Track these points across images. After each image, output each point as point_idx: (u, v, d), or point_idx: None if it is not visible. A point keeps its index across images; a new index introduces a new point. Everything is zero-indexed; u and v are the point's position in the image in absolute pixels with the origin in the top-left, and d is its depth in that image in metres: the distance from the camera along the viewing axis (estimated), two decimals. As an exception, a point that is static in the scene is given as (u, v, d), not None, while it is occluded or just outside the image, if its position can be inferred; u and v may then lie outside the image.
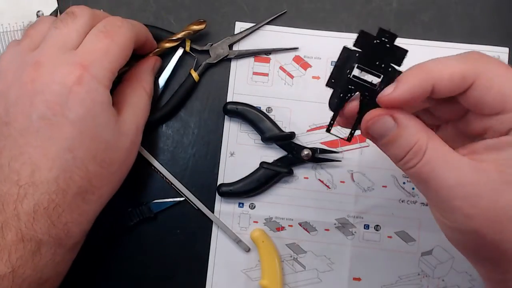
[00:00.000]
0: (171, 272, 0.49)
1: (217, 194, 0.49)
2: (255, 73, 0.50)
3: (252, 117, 0.49)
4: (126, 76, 0.47)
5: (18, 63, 0.40)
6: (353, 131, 0.34)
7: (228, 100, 0.50)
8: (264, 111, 0.50)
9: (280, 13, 0.50)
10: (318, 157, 0.49)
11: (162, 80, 0.50)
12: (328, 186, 0.49)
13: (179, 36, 0.49)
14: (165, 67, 0.50)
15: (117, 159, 0.42)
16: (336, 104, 0.34)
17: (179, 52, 0.50)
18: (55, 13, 0.50)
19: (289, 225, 0.49)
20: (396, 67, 0.33)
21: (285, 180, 0.50)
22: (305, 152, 0.48)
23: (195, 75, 0.49)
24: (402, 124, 0.32)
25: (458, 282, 0.48)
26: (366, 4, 0.51)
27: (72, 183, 0.38)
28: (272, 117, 0.49)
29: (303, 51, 0.50)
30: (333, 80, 0.34)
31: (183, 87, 0.50)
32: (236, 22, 0.51)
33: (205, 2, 0.51)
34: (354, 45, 0.33)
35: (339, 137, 0.38)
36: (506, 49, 0.50)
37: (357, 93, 0.33)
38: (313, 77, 0.50)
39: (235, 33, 0.51)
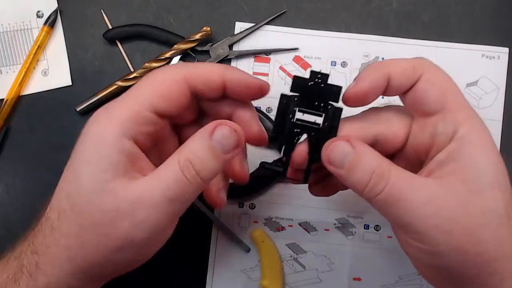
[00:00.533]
0: (171, 272, 0.49)
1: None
2: (255, 73, 0.50)
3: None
4: None
5: None
6: (307, 172, 0.36)
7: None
8: (264, 111, 0.50)
9: (280, 13, 0.50)
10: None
11: None
12: (328, 186, 0.49)
13: (187, 44, 0.49)
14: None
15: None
16: (286, 150, 0.35)
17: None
18: (55, 13, 0.50)
19: (289, 225, 0.49)
20: (335, 103, 0.34)
21: (285, 180, 0.49)
22: None
23: (195, 75, 0.49)
24: (360, 148, 0.33)
25: (458, 282, 0.48)
26: (366, 4, 0.51)
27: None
28: (272, 117, 0.49)
29: (303, 51, 0.50)
30: (278, 128, 0.35)
31: None
32: (236, 22, 0.51)
33: (205, 2, 0.51)
34: (291, 90, 0.34)
35: (297, 180, 0.37)
36: (506, 49, 0.50)
37: (304, 135, 0.35)
38: (313, 77, 0.50)
39: (235, 33, 0.51)
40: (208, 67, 0.35)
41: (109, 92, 0.49)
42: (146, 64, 0.49)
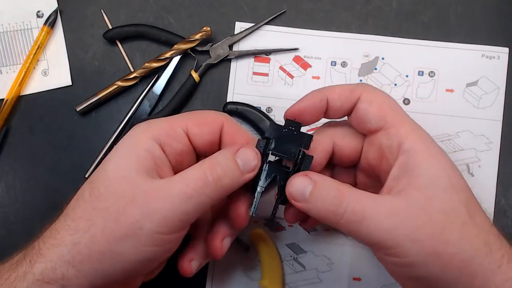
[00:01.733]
0: (172, 272, 0.49)
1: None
2: (255, 73, 0.50)
3: (252, 117, 0.49)
4: None
5: None
6: (274, 211, 0.38)
7: (228, 100, 0.50)
8: (264, 111, 0.50)
9: (280, 13, 0.50)
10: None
11: (162, 82, 0.50)
12: (328, 186, 0.49)
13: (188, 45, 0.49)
14: (166, 68, 0.50)
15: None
16: (262, 192, 0.37)
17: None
18: (55, 13, 0.50)
19: (289, 225, 0.49)
20: (305, 150, 0.37)
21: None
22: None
23: (195, 75, 0.49)
24: (317, 178, 0.35)
25: (458, 282, 0.48)
26: (366, 4, 0.51)
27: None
28: (272, 117, 0.49)
29: (303, 51, 0.50)
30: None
31: (183, 88, 0.50)
32: (236, 22, 0.51)
33: (205, 2, 0.51)
34: (266, 135, 0.37)
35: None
36: (506, 49, 0.50)
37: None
38: (313, 77, 0.50)
39: (235, 33, 0.51)
40: (241, 133, 0.39)
41: (109, 92, 0.50)
42: (146, 64, 0.49)
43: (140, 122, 0.38)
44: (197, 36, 0.49)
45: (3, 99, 0.50)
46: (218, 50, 0.50)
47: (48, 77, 0.51)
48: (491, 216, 0.48)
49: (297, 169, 0.37)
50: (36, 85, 0.51)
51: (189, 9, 0.51)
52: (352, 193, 0.34)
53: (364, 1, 0.51)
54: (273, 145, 0.37)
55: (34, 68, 0.51)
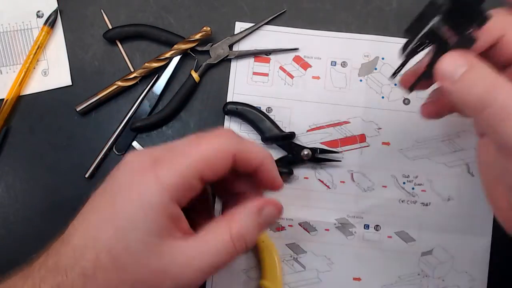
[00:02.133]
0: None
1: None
2: (255, 73, 0.50)
3: (252, 117, 0.49)
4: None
5: None
6: (416, 82, 0.35)
7: (228, 100, 0.50)
8: (264, 111, 0.50)
9: (280, 13, 0.50)
10: (318, 157, 0.49)
11: (162, 81, 0.50)
12: (328, 186, 0.49)
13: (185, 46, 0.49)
14: (166, 68, 0.50)
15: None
16: (409, 52, 0.34)
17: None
18: (55, 13, 0.50)
19: (289, 225, 0.49)
20: (473, 35, 0.32)
21: (285, 180, 0.50)
22: (305, 152, 0.48)
23: (195, 75, 0.49)
24: (474, 62, 0.32)
25: (458, 282, 0.48)
26: (366, 4, 0.51)
27: None
28: (272, 117, 0.49)
29: (303, 51, 0.50)
30: (412, 28, 0.34)
31: (184, 88, 0.50)
32: (236, 22, 0.51)
33: (205, 2, 0.51)
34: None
35: (403, 87, 0.38)
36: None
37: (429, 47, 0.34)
38: (313, 77, 0.50)
39: (235, 33, 0.51)
40: (254, 149, 0.37)
41: (109, 92, 0.50)
42: (146, 64, 0.49)
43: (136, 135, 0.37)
44: (197, 36, 0.49)
45: (3, 99, 0.50)
46: (218, 50, 0.50)
47: (48, 77, 0.51)
48: (491, 215, 0.48)
49: (455, 47, 0.32)
50: (36, 85, 0.51)
51: (189, 9, 0.51)
52: (508, 85, 0.30)
53: (364, 1, 0.51)
54: (445, 12, 0.32)
55: (34, 68, 0.51)
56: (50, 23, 0.50)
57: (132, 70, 0.51)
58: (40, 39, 0.50)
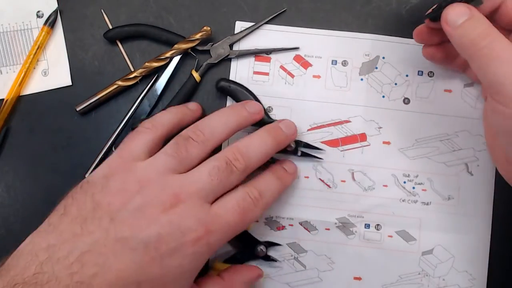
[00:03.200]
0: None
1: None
2: (255, 73, 0.50)
3: (243, 99, 0.48)
4: (224, 274, 0.45)
5: (159, 176, 0.39)
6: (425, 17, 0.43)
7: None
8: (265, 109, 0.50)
9: (280, 12, 0.50)
10: (302, 150, 0.49)
11: (162, 81, 0.50)
12: (328, 185, 0.49)
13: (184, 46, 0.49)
14: (166, 68, 0.50)
15: None
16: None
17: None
18: (55, 13, 0.50)
19: (289, 224, 0.49)
20: None
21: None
22: (292, 144, 0.48)
23: (196, 75, 0.49)
24: (475, 13, 0.38)
25: (458, 281, 0.48)
26: (366, 4, 0.51)
27: None
28: (273, 117, 0.50)
29: (303, 50, 0.50)
30: None
31: (184, 88, 0.50)
32: (237, 22, 0.51)
33: (205, 2, 0.51)
34: None
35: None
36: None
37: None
38: (314, 76, 0.50)
39: (236, 32, 0.51)
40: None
41: (109, 92, 0.49)
42: (147, 64, 0.49)
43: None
44: (197, 36, 0.49)
45: (3, 99, 0.50)
46: (219, 50, 0.50)
47: (48, 77, 0.51)
48: (490, 214, 0.48)
49: (463, 1, 0.39)
50: (36, 85, 0.51)
51: (189, 9, 0.51)
52: (499, 35, 0.37)
53: (364, 1, 0.51)
54: None
55: (34, 68, 0.51)
56: (50, 23, 0.50)
57: (132, 70, 0.51)
58: (40, 39, 0.50)
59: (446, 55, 0.45)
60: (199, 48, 0.50)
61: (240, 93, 0.49)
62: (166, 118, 0.44)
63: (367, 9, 0.51)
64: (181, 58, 0.50)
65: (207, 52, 0.50)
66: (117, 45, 0.51)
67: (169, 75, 0.50)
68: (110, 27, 0.51)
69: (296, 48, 0.50)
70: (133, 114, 0.50)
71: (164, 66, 0.50)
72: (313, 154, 0.49)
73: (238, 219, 0.40)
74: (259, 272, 0.47)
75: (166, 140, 0.43)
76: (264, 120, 0.47)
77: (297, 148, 0.49)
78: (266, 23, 0.51)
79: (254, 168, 0.43)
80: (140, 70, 0.49)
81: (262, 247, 0.48)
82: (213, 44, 0.50)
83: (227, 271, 0.45)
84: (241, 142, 0.43)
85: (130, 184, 0.39)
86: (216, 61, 0.50)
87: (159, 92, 0.50)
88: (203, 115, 0.46)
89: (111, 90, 0.50)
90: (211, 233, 0.39)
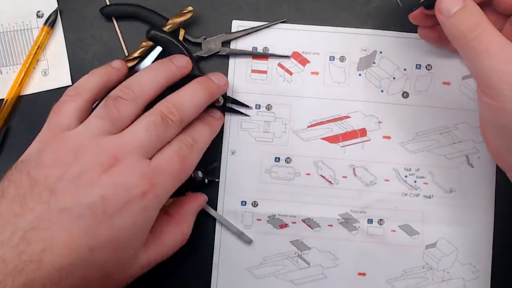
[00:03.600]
0: (175, 272, 0.49)
1: (219, 192, 0.49)
2: (253, 71, 0.51)
3: (173, 50, 0.48)
4: (170, 210, 0.46)
5: (93, 140, 0.39)
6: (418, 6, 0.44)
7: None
8: (264, 108, 0.50)
9: (279, 22, 0.50)
10: (228, 106, 0.49)
11: (148, 62, 0.50)
12: (330, 182, 0.49)
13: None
14: (153, 51, 0.50)
15: (122, 280, 0.41)
16: None
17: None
18: (55, 13, 0.50)
19: (292, 222, 0.49)
20: None
21: (287, 177, 0.49)
22: (219, 99, 0.48)
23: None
24: (469, 2, 0.38)
25: (462, 274, 0.48)
26: (366, 4, 0.51)
27: (72, 282, 0.36)
28: (272, 114, 0.50)
29: (301, 47, 0.51)
30: None
31: None
32: (233, 21, 0.51)
33: (205, 2, 0.51)
34: None
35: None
36: (500, 43, 0.51)
37: None
38: (312, 73, 0.50)
39: (232, 31, 0.51)
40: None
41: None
42: (144, 44, 0.49)
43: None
44: (181, 18, 0.49)
45: (3, 99, 0.50)
46: (211, 45, 0.50)
47: (48, 77, 0.51)
48: (492, 206, 0.49)
49: None
50: (36, 85, 0.51)
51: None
52: (490, 26, 0.37)
53: (364, 1, 0.51)
54: None
55: (34, 68, 0.51)
56: (50, 23, 0.50)
57: (125, 50, 0.51)
58: (40, 39, 0.50)
59: (441, 37, 0.45)
60: (192, 39, 0.50)
61: (170, 43, 0.48)
62: (90, 81, 0.44)
63: (367, 9, 0.51)
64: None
65: (199, 45, 0.50)
66: (114, 24, 0.51)
67: (154, 58, 0.50)
68: (108, 3, 0.51)
69: (287, 57, 0.50)
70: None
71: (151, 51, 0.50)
72: (240, 110, 0.50)
73: (179, 166, 0.41)
74: (204, 197, 0.48)
75: (96, 104, 0.43)
76: (194, 74, 0.47)
77: (225, 104, 0.49)
78: (264, 28, 0.51)
79: (190, 120, 0.44)
80: (140, 50, 0.49)
81: (198, 172, 0.48)
82: (206, 38, 0.50)
83: (172, 207, 0.46)
84: (173, 95, 0.43)
85: (64, 154, 0.38)
86: (206, 55, 0.50)
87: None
88: (130, 73, 0.45)
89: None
90: (156, 185, 0.39)
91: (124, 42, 0.51)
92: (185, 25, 0.50)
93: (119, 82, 0.44)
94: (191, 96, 0.44)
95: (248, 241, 0.49)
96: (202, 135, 0.45)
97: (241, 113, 0.50)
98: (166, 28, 0.49)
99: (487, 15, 0.38)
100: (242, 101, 0.50)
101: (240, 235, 0.49)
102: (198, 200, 0.48)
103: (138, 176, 0.38)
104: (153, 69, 0.44)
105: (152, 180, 0.39)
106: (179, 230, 0.45)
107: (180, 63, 0.45)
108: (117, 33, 0.51)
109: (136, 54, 0.49)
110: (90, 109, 0.43)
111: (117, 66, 0.46)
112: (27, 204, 0.36)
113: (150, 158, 0.40)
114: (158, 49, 0.49)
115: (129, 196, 0.37)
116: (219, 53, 0.50)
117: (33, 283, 0.34)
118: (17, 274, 0.34)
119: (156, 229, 0.43)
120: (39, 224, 0.35)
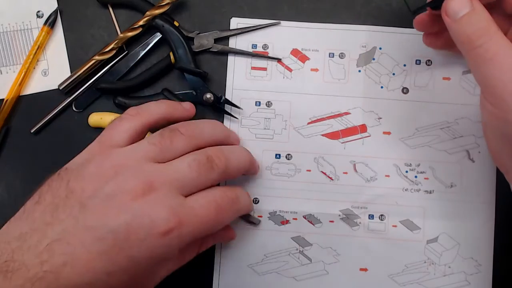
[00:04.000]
0: (177, 269, 0.49)
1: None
2: (253, 68, 0.51)
3: (174, 40, 0.49)
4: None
5: (136, 162, 0.39)
6: (424, 7, 0.42)
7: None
8: (265, 105, 0.50)
9: (278, 21, 0.51)
10: (218, 106, 0.49)
11: (138, 54, 0.50)
12: (331, 178, 0.49)
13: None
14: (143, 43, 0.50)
15: None
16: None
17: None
18: (55, 13, 0.50)
19: (293, 218, 0.49)
20: None
21: (288, 174, 0.49)
22: (208, 95, 0.49)
23: (172, 57, 0.49)
24: (477, 6, 0.36)
25: (464, 268, 0.48)
26: (366, 4, 0.51)
27: None
28: (272, 111, 0.50)
29: (300, 44, 0.51)
30: None
31: (157, 65, 0.50)
32: (232, 18, 0.51)
33: (205, 2, 0.51)
34: None
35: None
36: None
37: None
38: (312, 70, 0.50)
39: (231, 28, 0.51)
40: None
41: (88, 68, 0.49)
42: (121, 35, 0.49)
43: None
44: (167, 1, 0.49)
45: (3, 99, 0.50)
46: (203, 40, 0.50)
47: (48, 77, 0.51)
48: (493, 200, 0.49)
49: None
50: (36, 85, 0.51)
51: (190, 9, 0.51)
52: (497, 34, 0.36)
53: (364, 1, 0.51)
54: None
55: (34, 68, 0.51)
56: (50, 23, 0.50)
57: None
58: (40, 39, 0.50)
59: (446, 43, 0.45)
60: (185, 33, 0.50)
61: (172, 34, 0.49)
62: (154, 108, 0.44)
63: (367, 9, 0.51)
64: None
65: (191, 39, 0.50)
66: (114, 24, 0.51)
67: (146, 50, 0.50)
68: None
69: (278, 59, 0.51)
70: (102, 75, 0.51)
71: (144, 39, 0.50)
72: (229, 112, 0.50)
73: (213, 215, 0.39)
74: (232, 236, 0.48)
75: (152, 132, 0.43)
76: (189, 69, 0.49)
77: (216, 103, 0.49)
78: (260, 28, 0.51)
79: (232, 175, 0.43)
80: (117, 41, 0.49)
81: (209, 94, 0.49)
82: (199, 33, 0.50)
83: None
84: (225, 147, 0.44)
85: (105, 169, 0.38)
86: (197, 50, 0.50)
87: (131, 64, 0.50)
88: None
89: (90, 66, 0.49)
90: (183, 225, 0.37)
91: (119, 26, 0.51)
92: (184, 22, 0.50)
93: (182, 121, 0.44)
94: (240, 154, 0.45)
95: (257, 222, 0.49)
96: (245, 200, 0.45)
97: (230, 115, 0.50)
98: (143, 20, 0.49)
99: (493, 16, 0.37)
100: (241, 98, 0.50)
101: (247, 218, 0.49)
102: (223, 238, 0.48)
103: (167, 210, 0.37)
104: (214, 123, 0.46)
105: (181, 218, 0.37)
106: (196, 249, 0.45)
107: (234, 140, 0.48)
108: (117, 33, 0.51)
109: (112, 46, 0.49)
110: (145, 133, 0.43)
111: (187, 106, 0.47)
112: (58, 215, 0.36)
113: (186, 196, 0.39)
114: (157, 35, 0.50)
115: (153, 228, 0.36)
116: (211, 49, 0.50)
117: None
118: (36, 281, 0.33)
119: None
120: (64, 237, 0.35)
